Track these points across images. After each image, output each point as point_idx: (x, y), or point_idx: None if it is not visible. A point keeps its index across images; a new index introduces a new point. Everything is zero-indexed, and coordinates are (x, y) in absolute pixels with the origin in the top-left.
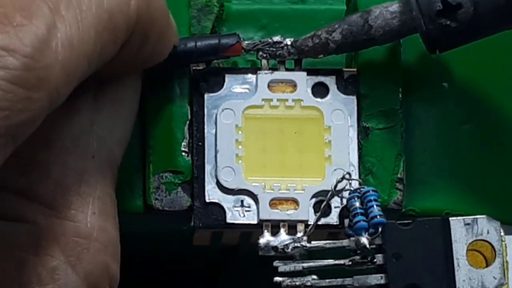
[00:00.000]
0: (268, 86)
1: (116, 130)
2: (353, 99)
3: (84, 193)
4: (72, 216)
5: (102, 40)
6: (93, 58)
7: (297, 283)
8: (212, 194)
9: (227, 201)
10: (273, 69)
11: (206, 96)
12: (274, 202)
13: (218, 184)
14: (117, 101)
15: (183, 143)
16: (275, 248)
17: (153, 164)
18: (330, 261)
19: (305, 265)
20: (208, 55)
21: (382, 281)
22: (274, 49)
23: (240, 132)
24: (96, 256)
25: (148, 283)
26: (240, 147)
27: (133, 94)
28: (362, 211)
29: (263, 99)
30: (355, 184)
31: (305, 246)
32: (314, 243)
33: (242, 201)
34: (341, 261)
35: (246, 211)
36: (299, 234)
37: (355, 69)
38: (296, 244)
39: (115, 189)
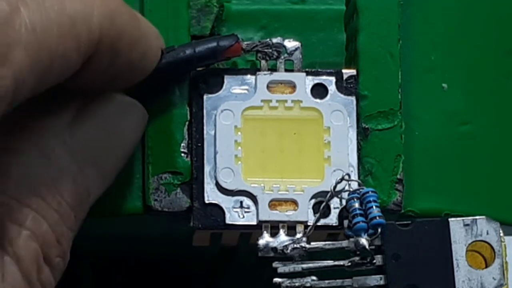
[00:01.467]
0: (267, 87)
1: (89, 148)
2: (352, 100)
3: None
4: None
5: (64, 44)
6: (56, 57)
7: (297, 284)
8: (211, 195)
9: (226, 202)
10: (272, 70)
11: (205, 97)
12: (274, 203)
13: (217, 185)
14: (98, 118)
15: (182, 144)
16: (274, 249)
17: (152, 165)
18: (330, 262)
19: (304, 266)
20: (209, 58)
21: (382, 282)
22: (272, 50)
23: (239, 133)
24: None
25: (148, 283)
26: (239, 148)
27: (118, 113)
28: (361, 212)
29: (262, 100)
30: (354, 185)
31: (305, 247)
32: (314, 244)
33: (241, 202)
34: (341, 262)
35: (246, 212)
36: (298, 235)
37: (354, 70)
38: (295, 245)
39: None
